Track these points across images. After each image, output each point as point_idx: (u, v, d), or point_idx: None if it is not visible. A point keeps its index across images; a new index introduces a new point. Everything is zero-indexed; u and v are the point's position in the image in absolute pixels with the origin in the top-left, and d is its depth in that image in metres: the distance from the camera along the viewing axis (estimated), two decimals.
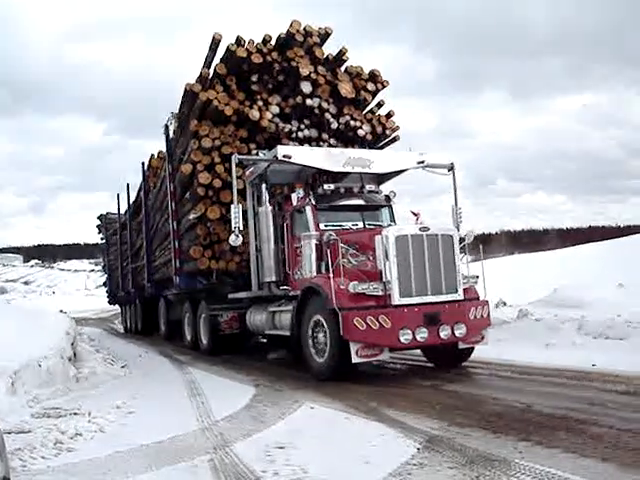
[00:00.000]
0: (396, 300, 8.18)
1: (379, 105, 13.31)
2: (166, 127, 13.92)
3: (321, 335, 8.58)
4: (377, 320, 7.92)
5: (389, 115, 13.21)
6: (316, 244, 9.30)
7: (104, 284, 29.52)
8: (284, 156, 9.64)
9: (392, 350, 8.42)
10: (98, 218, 27.90)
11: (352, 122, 12.66)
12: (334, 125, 12.51)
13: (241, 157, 10.26)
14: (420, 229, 8.52)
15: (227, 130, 11.97)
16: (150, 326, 20.88)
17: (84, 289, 64.05)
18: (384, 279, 8.26)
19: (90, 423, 6.35)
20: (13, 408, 6.86)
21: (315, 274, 9.20)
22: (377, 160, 10.28)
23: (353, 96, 12.67)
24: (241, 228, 9.62)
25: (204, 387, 8.67)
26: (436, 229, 8.66)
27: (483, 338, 9.04)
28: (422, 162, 10.62)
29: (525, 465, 4.28)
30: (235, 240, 9.57)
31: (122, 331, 25.36)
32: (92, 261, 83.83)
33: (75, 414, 6.83)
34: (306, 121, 12.39)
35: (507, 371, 8.72)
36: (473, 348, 9.21)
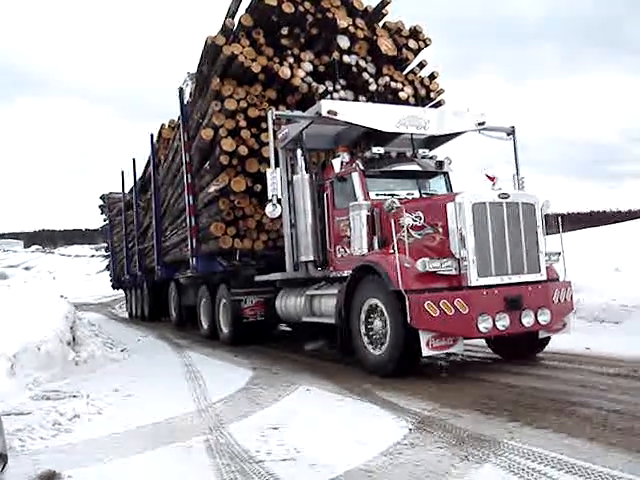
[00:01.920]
0: (473, 281, 6.82)
1: (421, 66, 11.85)
2: (180, 90, 12.49)
3: (378, 322, 7.24)
4: (452, 305, 6.56)
5: (432, 77, 11.76)
6: (367, 216, 7.92)
7: (107, 267, 28.10)
8: (329, 112, 8.21)
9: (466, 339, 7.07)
10: (100, 198, 26.57)
11: (393, 83, 11.21)
12: (373, 86, 11.06)
13: (279, 113, 8.80)
14: (499, 196, 7.14)
15: (254, 90, 10.52)
16: (158, 312, 19.67)
17: (85, 275, 62.75)
18: (458, 255, 6.90)
19: (88, 405, 6.39)
20: (12, 390, 6.91)
21: (366, 251, 7.83)
22: (433, 120, 8.87)
23: (394, 54, 11.23)
24: (279, 196, 8.21)
25: (202, 370, 8.66)
26: (517, 196, 7.28)
27: (565, 325, 7.70)
28: (482, 124, 9.23)
29: (514, 445, 4.35)
30: (273, 211, 8.17)
31: (122, 316, 24.64)
32: (93, 246, 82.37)
33: (74, 397, 6.86)
34: (342, 81, 10.92)
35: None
36: (550, 337, 7.87)
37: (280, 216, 9.25)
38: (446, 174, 9.08)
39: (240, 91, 10.44)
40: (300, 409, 5.96)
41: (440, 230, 7.12)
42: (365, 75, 11.02)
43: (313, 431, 5.12)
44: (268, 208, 8.22)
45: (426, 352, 6.64)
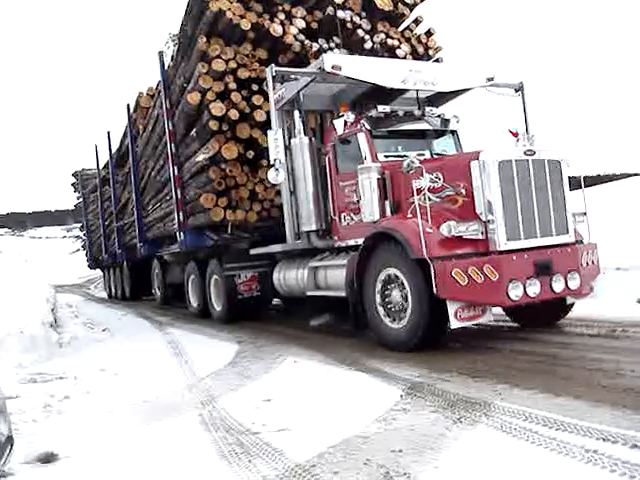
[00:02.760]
0: (502, 245, 6.29)
1: (416, 22, 11.18)
2: (160, 53, 11.64)
3: (396, 294, 6.68)
4: (481, 271, 6.03)
5: (429, 33, 11.12)
6: (378, 179, 7.34)
7: (83, 247, 27.15)
8: (333, 67, 7.54)
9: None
10: (73, 175, 25.52)
11: (389, 41, 10.57)
12: (368, 44, 10.40)
13: (280, 69, 8.08)
14: (525, 152, 6.59)
15: (243, 49, 9.79)
16: (139, 291, 19.01)
17: (57, 256, 61.37)
18: (484, 218, 6.35)
19: (77, 386, 6.37)
20: None
21: (378, 217, 7.26)
22: (441, 76, 8.26)
23: (390, 9, 10.55)
24: (282, 160, 7.54)
25: (187, 346, 8.61)
26: (542, 153, 6.73)
27: (592, 289, 7.25)
28: (492, 79, 8.66)
29: (504, 406, 4.39)
30: (276, 176, 7.50)
31: (99, 296, 24.48)
32: (64, 228, 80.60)
33: (61, 378, 6.83)
34: (336, 39, 10.25)
35: None
36: (574, 303, 7.43)
37: (277, 184, 8.67)
38: (455, 133, 8.52)
39: (228, 51, 9.70)
40: (290, 381, 5.94)
41: (462, 191, 6.53)
42: (360, 32, 10.37)
43: (306, 401, 5.08)
44: (270, 173, 7.56)
45: (455, 324, 6.12)
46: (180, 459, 3.92)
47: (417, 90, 8.36)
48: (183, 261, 13.31)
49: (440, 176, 6.71)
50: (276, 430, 4.31)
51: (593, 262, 7.09)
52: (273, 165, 7.53)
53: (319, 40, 10.11)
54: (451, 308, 6.07)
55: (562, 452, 3.45)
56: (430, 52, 10.95)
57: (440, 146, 8.28)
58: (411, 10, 10.98)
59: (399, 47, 10.63)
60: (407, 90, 8.37)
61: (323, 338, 8.24)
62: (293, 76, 7.95)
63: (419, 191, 6.47)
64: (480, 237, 6.33)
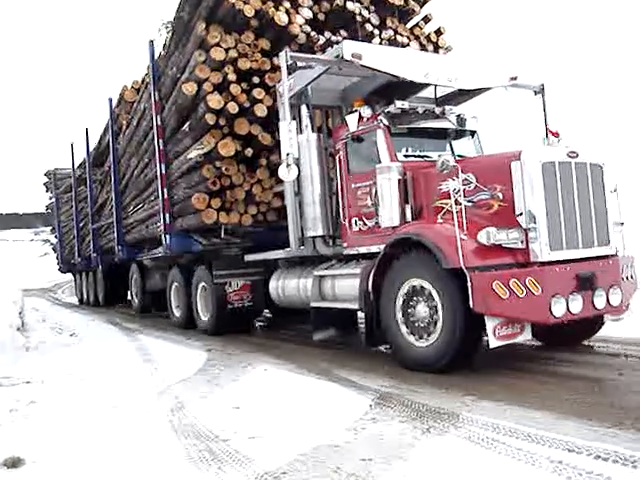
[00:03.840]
0: (545, 255, 5.66)
1: (426, 20, 10.59)
2: (151, 42, 10.84)
3: (422, 308, 5.99)
4: (523, 284, 5.37)
5: (439, 32, 10.53)
6: (398, 180, 6.67)
7: (53, 249, 25.99)
8: (353, 55, 6.86)
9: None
10: (45, 175, 24.42)
11: (398, 37, 9.96)
12: (376, 40, 9.75)
13: (294, 55, 7.32)
14: (568, 154, 5.97)
15: (245, 38, 9.03)
16: (114, 297, 18.07)
17: (24, 260, 59.62)
18: (525, 225, 5.70)
19: (44, 391, 6.27)
20: None
21: (398, 222, 6.60)
22: (464, 73, 7.64)
23: (401, 3, 9.93)
24: (295, 155, 6.80)
25: (156, 353, 8.56)
26: (585, 156, 6.13)
27: (627, 307, 6.64)
28: (515, 78, 8.11)
29: (472, 417, 4.45)
30: (288, 173, 6.74)
31: (66, 301, 24.01)
32: (31, 231, 78.50)
33: (28, 382, 6.71)
34: (343, 32, 9.59)
35: None
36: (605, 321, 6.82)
37: (280, 182, 7.98)
38: (475, 133, 7.92)
39: (229, 39, 8.93)
40: (260, 389, 5.95)
41: (500, 195, 5.88)
42: (368, 27, 9.72)
43: (276, 410, 5.07)
44: (281, 170, 6.79)
45: (494, 342, 5.44)
46: (150, 465, 3.89)
47: (436, 87, 7.78)
48: (165, 267, 12.46)
49: (473, 178, 6.05)
50: (246, 437, 4.32)
51: (632, 276, 6.52)
52: (286, 160, 6.76)
53: (325, 33, 9.43)
54: (490, 325, 5.40)
55: (529, 462, 3.53)
56: (440, 52, 10.37)
57: (460, 147, 7.65)
58: (421, 6, 10.38)
59: (408, 45, 10.03)
60: (426, 86, 7.75)
61: (293, 347, 8.46)
62: (305, 63, 7.20)
63: (454, 193, 5.80)
64: (520, 246, 5.68)
